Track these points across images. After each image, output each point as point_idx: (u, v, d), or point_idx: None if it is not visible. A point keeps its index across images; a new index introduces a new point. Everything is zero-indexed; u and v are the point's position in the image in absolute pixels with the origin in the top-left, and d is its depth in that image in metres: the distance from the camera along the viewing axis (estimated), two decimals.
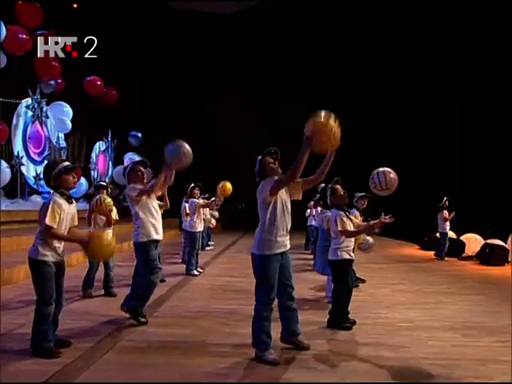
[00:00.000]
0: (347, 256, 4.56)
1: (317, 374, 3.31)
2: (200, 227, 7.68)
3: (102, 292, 5.74)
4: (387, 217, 4.33)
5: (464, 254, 10.64)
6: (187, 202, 7.92)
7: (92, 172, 16.28)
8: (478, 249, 10.26)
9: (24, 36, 10.58)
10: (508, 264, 9.31)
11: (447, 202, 10.06)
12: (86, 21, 12.19)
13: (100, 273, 5.78)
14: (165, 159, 4.30)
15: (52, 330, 3.58)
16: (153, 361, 3.47)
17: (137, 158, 16.63)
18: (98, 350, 3.71)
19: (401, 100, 15.53)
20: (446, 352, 3.84)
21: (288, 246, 3.65)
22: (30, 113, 12.42)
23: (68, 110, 13.09)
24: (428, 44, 14.57)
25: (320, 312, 4.86)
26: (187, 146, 4.30)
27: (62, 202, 3.53)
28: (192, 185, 7.89)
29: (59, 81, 12.45)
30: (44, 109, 12.87)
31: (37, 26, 10.98)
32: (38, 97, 12.56)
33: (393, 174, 4.46)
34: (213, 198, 8.29)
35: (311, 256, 9.52)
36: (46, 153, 13.02)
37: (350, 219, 4.59)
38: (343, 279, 4.53)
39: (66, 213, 3.54)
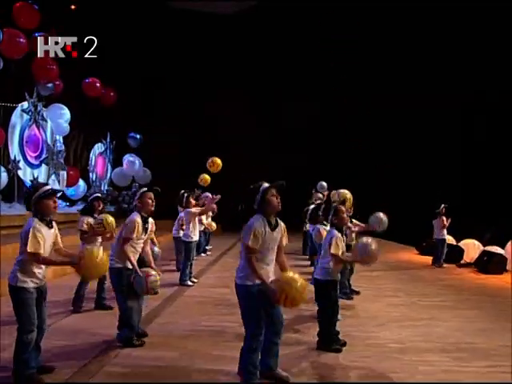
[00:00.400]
0: (333, 277, 4.50)
1: None
2: (195, 237, 7.61)
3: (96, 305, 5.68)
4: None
5: (462, 261, 10.56)
6: (182, 211, 7.87)
7: (91, 174, 16.25)
8: (477, 255, 10.20)
9: (21, 39, 10.51)
10: (506, 273, 9.24)
11: (444, 209, 9.93)
12: (85, 21, 12.12)
13: (93, 283, 5.66)
14: None
15: (34, 357, 3.54)
16: None
17: (136, 160, 16.61)
18: (82, 375, 3.68)
19: (401, 100, 15.42)
20: (436, 378, 3.80)
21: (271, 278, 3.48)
22: (26, 116, 12.36)
23: (65, 112, 12.96)
24: (428, 44, 14.48)
25: (312, 331, 4.71)
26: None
27: (42, 227, 3.49)
28: (185, 194, 7.78)
29: (57, 83, 12.38)
30: (41, 112, 12.79)
31: (34, 28, 10.90)
32: (35, 100, 12.49)
33: (374, 246, 4.41)
34: (207, 194, 8.30)
35: (308, 262, 9.48)
36: (43, 156, 12.97)
37: (342, 240, 4.55)
38: (328, 299, 4.47)
39: (45, 238, 3.50)
